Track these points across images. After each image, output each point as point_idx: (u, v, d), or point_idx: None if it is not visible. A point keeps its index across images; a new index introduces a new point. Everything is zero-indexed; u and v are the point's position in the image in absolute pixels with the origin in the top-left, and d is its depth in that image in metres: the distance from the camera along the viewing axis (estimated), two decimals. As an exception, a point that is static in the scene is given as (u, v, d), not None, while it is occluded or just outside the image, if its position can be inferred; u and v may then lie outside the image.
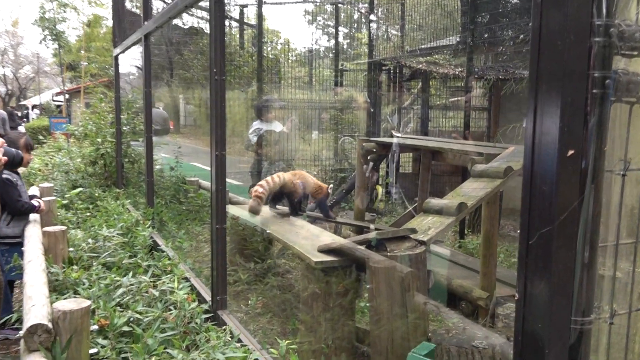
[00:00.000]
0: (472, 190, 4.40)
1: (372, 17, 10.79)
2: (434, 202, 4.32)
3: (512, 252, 6.86)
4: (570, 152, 1.19)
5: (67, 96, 27.12)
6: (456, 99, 10.64)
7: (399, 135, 7.21)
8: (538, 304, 1.23)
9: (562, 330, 1.23)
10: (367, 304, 3.88)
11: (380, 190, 9.17)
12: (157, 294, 3.65)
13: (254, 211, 4.99)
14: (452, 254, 6.35)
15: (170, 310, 3.47)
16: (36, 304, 2.68)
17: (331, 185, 5.55)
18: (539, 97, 1.23)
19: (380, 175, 9.45)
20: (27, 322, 2.49)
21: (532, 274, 1.24)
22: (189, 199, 7.44)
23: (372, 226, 5.77)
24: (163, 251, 5.02)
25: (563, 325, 1.23)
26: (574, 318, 1.24)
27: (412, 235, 3.77)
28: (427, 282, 3.76)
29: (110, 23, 26.04)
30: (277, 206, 5.56)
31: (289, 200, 5.28)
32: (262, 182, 5.10)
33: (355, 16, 12.28)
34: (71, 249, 4.43)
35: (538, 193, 1.22)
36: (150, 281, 3.88)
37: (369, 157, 7.03)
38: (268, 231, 4.64)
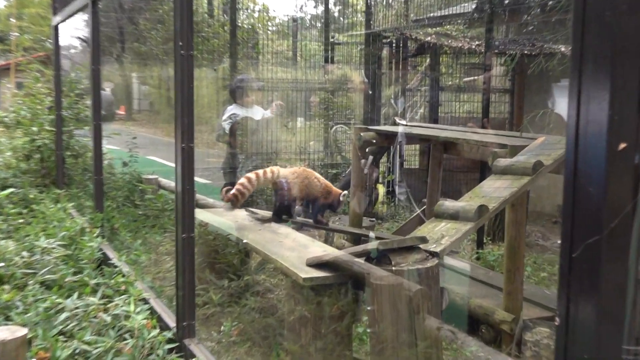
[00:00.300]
0: (494, 190, 4.41)
1: (370, -22, 10.80)
2: (448, 204, 4.34)
3: (541, 264, 6.93)
4: (622, 146, 1.20)
5: (-7, 75, 26.88)
6: (472, 78, 10.70)
7: (404, 123, 7.24)
8: (583, 330, 1.25)
9: (612, 361, 1.25)
10: (367, 330, 3.87)
11: (381, 190, 9.20)
12: (108, 319, 3.63)
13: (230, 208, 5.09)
14: (469, 267, 6.39)
15: (125, 339, 3.46)
16: (-40, 333, 2.65)
17: (345, 193, 5.55)
18: (583, 79, 1.24)
19: (380, 172, 9.49)
20: (-51, 356, 2.46)
21: (576, 293, 1.26)
22: (147, 201, 7.41)
23: (372, 234, 5.81)
24: (115, 266, 5.00)
25: (613, 355, 1.24)
26: (626, 347, 1.25)
27: (421, 246, 3.77)
28: (441, 303, 3.75)
29: (46, -16, 25.82)
30: (255, 210, 5.55)
31: (274, 201, 5.30)
32: (251, 175, 5.19)
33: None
34: (1, 264, 4.40)
35: (583, 195, 1.23)
36: (100, 303, 3.86)
37: (367, 150, 7.05)
38: (245, 241, 4.67)
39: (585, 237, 1.22)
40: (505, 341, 4.73)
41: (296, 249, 4.29)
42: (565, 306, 1.26)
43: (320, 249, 4.25)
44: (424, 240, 3.80)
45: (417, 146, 10.04)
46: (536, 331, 4.59)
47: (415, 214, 7.21)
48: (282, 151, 9.86)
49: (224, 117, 7.64)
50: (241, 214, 5.46)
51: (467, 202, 4.32)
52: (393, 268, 3.54)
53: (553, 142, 5.00)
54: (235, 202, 5.15)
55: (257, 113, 8.03)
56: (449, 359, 4.21)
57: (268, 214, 5.44)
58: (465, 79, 10.70)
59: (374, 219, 7.65)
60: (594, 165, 1.21)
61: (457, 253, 7.02)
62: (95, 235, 5.49)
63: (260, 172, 5.21)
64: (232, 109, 7.67)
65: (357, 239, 6.24)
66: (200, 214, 5.34)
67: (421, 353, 3.29)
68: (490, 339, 4.81)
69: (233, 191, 5.21)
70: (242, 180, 5.17)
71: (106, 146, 8.27)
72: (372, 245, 3.80)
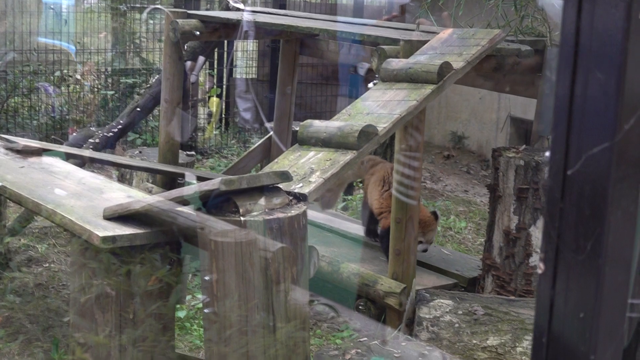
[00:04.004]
0: (383, 105, 4.40)
1: None
2: (319, 125, 4.33)
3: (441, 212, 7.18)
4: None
5: None
6: None
7: (241, 6, 6.87)
8: (582, 281, 1.23)
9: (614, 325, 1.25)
10: (204, 311, 3.74)
11: (216, 104, 9.04)
12: None
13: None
14: (336, 220, 6.49)
15: None
16: None
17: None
18: None
19: (200, 84, 9.26)
20: None
21: (574, 227, 1.22)
22: None
23: (189, 174, 5.85)
24: None
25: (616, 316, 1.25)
26: (632, 301, 1.28)
27: (282, 185, 3.74)
28: (309, 268, 3.79)
29: None
30: (11, 137, 5.35)
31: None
32: None
33: None
34: None
35: (588, 83, 1.19)
36: None
37: (187, 47, 6.79)
38: (1, 184, 4.52)
39: (591, 142, 1.18)
40: (392, 320, 4.85)
41: (85, 195, 4.24)
42: (554, 248, 1.22)
43: (122, 195, 4.25)
44: (285, 176, 3.76)
45: (253, 45, 9.94)
46: (434, 305, 4.71)
47: (264, 139, 7.13)
48: (45, 49, 9.20)
49: None
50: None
51: (345, 122, 4.32)
52: (241, 218, 3.48)
53: (465, 36, 5.07)
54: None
55: None
56: (319, 349, 4.29)
57: (33, 143, 5.26)
58: None
59: (192, 153, 7.60)
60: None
61: (315, 200, 7.08)
62: None
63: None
64: None
65: (169, 182, 6.26)
66: None
67: (281, 341, 3.35)
68: (371, 318, 4.92)
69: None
70: None
71: None
72: (192, 189, 3.78)
